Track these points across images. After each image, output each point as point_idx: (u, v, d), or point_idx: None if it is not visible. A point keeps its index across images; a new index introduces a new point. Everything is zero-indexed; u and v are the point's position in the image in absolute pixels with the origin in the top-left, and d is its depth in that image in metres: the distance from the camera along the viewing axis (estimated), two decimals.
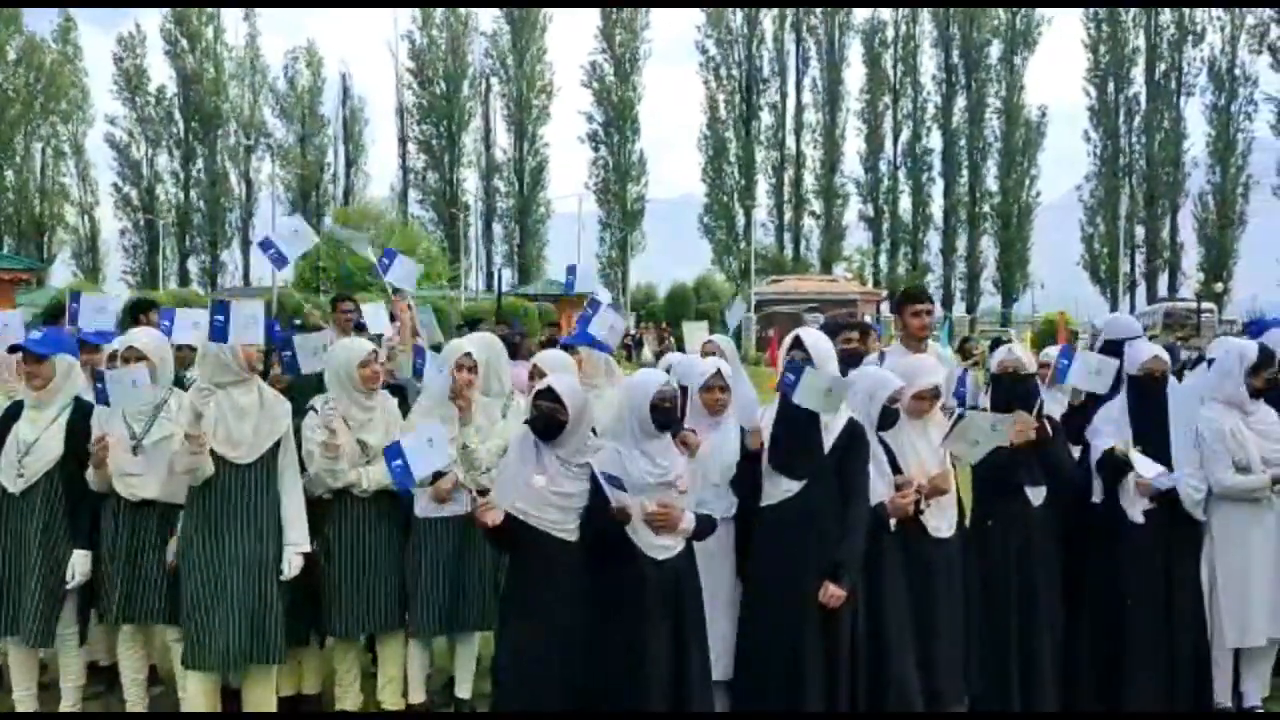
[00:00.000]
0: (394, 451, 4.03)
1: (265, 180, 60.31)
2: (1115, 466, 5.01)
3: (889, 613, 4.45)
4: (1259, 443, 5.01)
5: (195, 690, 4.49)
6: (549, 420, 4.03)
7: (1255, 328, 5.96)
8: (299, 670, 5.02)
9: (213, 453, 4.39)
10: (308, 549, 4.58)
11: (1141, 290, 58.48)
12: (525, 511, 4.01)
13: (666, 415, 4.13)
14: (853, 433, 4.43)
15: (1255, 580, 4.98)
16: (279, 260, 5.66)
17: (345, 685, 4.90)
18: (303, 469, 4.71)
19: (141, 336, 4.81)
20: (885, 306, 48.98)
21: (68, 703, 4.86)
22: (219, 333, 4.34)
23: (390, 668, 4.96)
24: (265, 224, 55.39)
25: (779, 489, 4.42)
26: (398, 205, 59.34)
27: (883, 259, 62.02)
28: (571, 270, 6.63)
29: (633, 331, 35.47)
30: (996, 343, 5.73)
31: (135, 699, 4.86)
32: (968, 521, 5.05)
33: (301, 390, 5.05)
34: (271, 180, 55.90)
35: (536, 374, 4.82)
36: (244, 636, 4.36)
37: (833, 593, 4.24)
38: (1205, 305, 34.52)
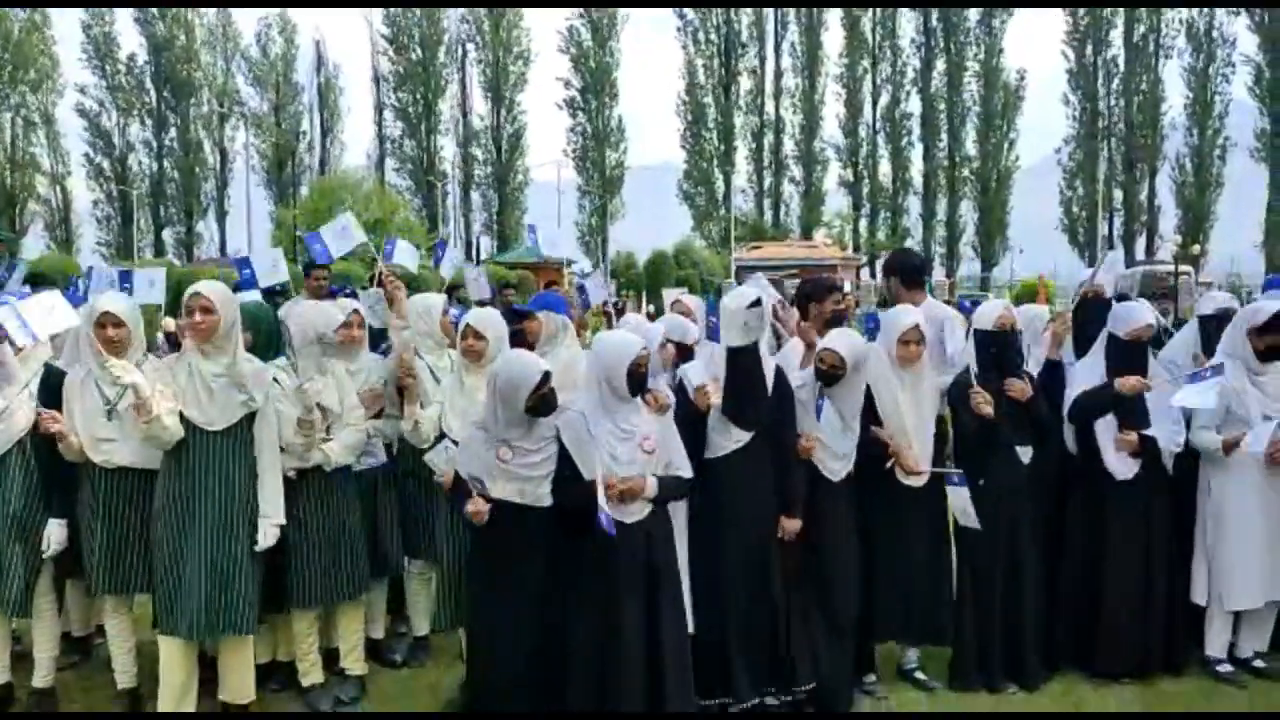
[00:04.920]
0: None
1: (240, 149, 59.62)
2: (1090, 410, 5.01)
3: (834, 549, 4.73)
4: (1262, 401, 5.00)
5: (170, 656, 4.43)
6: (551, 405, 4.09)
7: (1271, 285, 5.94)
8: (274, 637, 4.98)
9: (186, 420, 4.31)
10: (283, 521, 4.52)
11: (1120, 253, 58.74)
12: (495, 486, 4.05)
13: (644, 380, 4.15)
14: (780, 381, 4.62)
15: (1251, 544, 4.99)
16: (323, 254, 5.87)
17: (304, 654, 4.86)
18: None
19: (117, 301, 4.69)
20: (865, 272, 49.13)
21: (41, 673, 4.79)
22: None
23: (351, 636, 4.96)
24: (240, 194, 54.89)
25: (729, 440, 4.53)
26: (374, 174, 58.73)
27: (862, 224, 62.06)
28: (533, 230, 6.57)
29: (614, 299, 35.33)
30: (974, 306, 5.70)
31: (124, 671, 4.78)
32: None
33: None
34: (246, 149, 55.20)
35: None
36: (213, 606, 4.31)
37: (790, 526, 4.54)
38: (1183, 268, 34.60)
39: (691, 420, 4.52)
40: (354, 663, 4.97)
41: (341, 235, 5.89)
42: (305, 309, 4.93)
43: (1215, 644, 5.13)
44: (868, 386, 4.81)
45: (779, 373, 4.72)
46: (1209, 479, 5.10)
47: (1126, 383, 4.93)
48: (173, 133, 59.76)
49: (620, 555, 4.05)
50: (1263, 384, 5.02)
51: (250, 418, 4.44)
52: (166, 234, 60.43)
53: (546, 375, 4.07)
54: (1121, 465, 5.02)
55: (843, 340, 4.73)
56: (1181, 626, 5.13)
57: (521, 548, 4.09)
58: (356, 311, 5.23)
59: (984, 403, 4.81)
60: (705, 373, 4.63)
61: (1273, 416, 4.95)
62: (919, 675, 5.09)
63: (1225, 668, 5.10)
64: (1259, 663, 5.15)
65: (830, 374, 4.67)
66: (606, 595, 4.05)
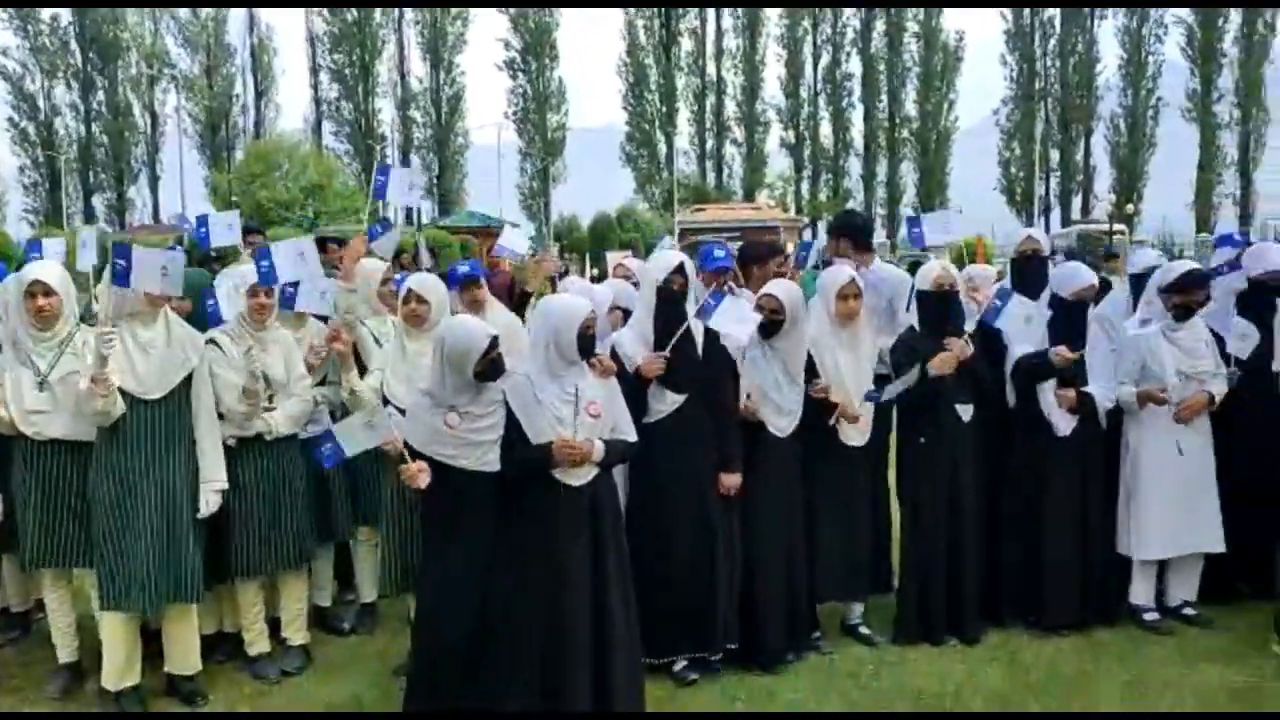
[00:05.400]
0: (326, 436, 4.07)
1: (171, 113, 58.18)
2: (1032, 374, 5.11)
3: (781, 506, 4.83)
4: (1176, 356, 5.14)
5: (113, 632, 4.37)
6: (499, 369, 4.07)
7: (1222, 243, 6.09)
8: (219, 608, 4.94)
9: (121, 391, 4.23)
10: (225, 486, 4.47)
11: (1056, 214, 59.68)
12: (443, 454, 4.03)
13: (592, 342, 4.15)
14: (712, 342, 4.70)
15: (1164, 496, 5.14)
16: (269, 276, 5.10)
17: (249, 624, 4.82)
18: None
19: (48, 269, 4.55)
20: (808, 233, 49.34)
21: None
22: (121, 278, 4.17)
23: (294, 605, 4.94)
24: (173, 159, 53.61)
25: (665, 404, 4.61)
26: (311, 137, 57.64)
27: (804, 186, 62.29)
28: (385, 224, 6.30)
29: (559, 263, 35.18)
30: (915, 266, 5.76)
31: (64, 645, 4.70)
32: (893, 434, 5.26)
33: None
34: (178, 113, 53.87)
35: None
36: (160, 575, 4.26)
37: (729, 481, 4.64)
38: (1117, 227, 35.30)
39: (631, 385, 4.55)
40: (295, 632, 4.94)
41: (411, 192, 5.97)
42: (246, 273, 4.84)
43: (1139, 593, 5.28)
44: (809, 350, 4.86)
45: (710, 334, 4.76)
46: (1128, 434, 5.25)
47: (1061, 354, 5.03)
48: (100, 96, 58.11)
49: (568, 518, 4.07)
50: (1178, 340, 5.17)
51: (187, 384, 4.37)
52: (97, 200, 58.84)
53: (494, 340, 4.05)
54: (1061, 421, 5.13)
55: (781, 288, 4.80)
56: (1117, 577, 5.28)
57: (469, 513, 4.08)
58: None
59: (943, 362, 4.88)
60: (637, 339, 4.65)
61: (1187, 373, 5.12)
62: (863, 630, 5.18)
63: (1151, 616, 5.25)
64: (1188, 610, 5.32)
65: (772, 320, 4.72)
66: (554, 558, 4.06)
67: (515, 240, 7.37)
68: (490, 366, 4.04)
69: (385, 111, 60.62)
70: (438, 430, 4.04)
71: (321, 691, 4.63)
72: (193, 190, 48.91)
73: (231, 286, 4.89)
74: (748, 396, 4.79)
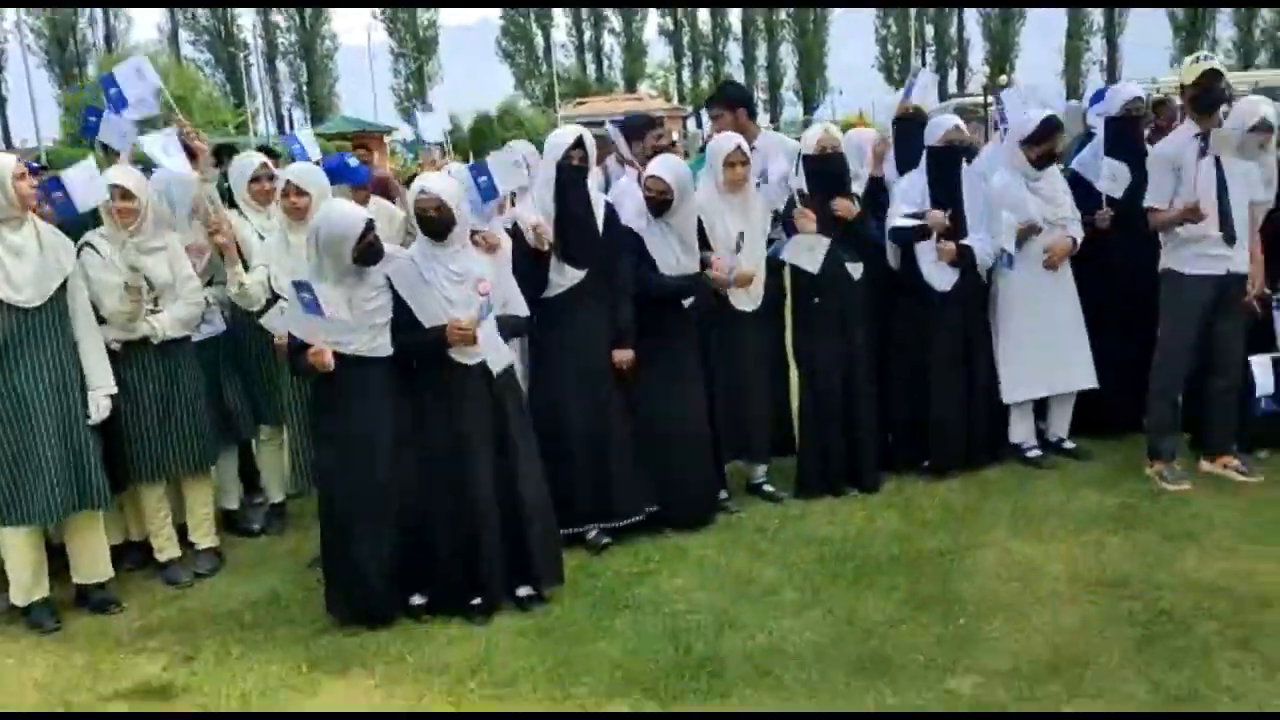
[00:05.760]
0: (304, 286, 3.95)
1: (11, 29, 54.42)
2: (917, 233, 5.26)
3: (682, 374, 4.93)
4: (1039, 205, 5.35)
5: (16, 547, 4.28)
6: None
7: (1095, 100, 6.26)
8: (125, 517, 4.88)
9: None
10: (113, 390, 4.36)
11: (932, 75, 60.27)
12: (334, 342, 3.98)
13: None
14: (611, 219, 4.76)
15: (1030, 339, 5.39)
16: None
17: (156, 530, 4.78)
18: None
19: None
20: (691, 122, 49.09)
21: None
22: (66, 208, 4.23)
23: (200, 508, 4.90)
24: (18, 79, 50.40)
25: (565, 279, 4.65)
26: (169, 49, 54.67)
27: (685, 74, 61.74)
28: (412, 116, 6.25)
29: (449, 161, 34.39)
30: None
31: None
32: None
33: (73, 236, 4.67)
34: (19, 28, 50.37)
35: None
36: (63, 485, 4.17)
37: (622, 356, 4.71)
38: (991, 99, 35.95)
39: (530, 260, 4.55)
40: (203, 536, 4.91)
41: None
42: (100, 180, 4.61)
43: (1019, 432, 5.57)
44: (699, 219, 4.91)
45: (610, 210, 4.80)
46: (996, 282, 5.46)
47: (934, 217, 5.17)
48: None
49: (468, 397, 4.10)
50: (1039, 189, 5.37)
51: (64, 291, 4.23)
52: None
53: (370, 223, 4.00)
54: (940, 278, 5.31)
55: (665, 166, 4.81)
56: (1001, 420, 5.55)
57: (365, 400, 4.06)
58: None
59: (805, 219, 5.00)
60: (536, 213, 4.66)
61: (1050, 219, 5.35)
62: (767, 489, 5.37)
63: (1034, 452, 5.56)
64: (1068, 444, 5.64)
65: (659, 201, 4.75)
66: (458, 435, 4.09)
67: (433, 127, 7.18)
68: (369, 250, 3.99)
69: (245, 18, 57.82)
70: (323, 318, 3.95)
71: (238, 591, 4.62)
72: (46, 111, 46.10)
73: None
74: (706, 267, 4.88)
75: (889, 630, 3.86)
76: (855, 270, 5.20)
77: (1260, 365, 5.23)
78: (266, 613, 4.37)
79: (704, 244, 4.96)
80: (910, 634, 3.83)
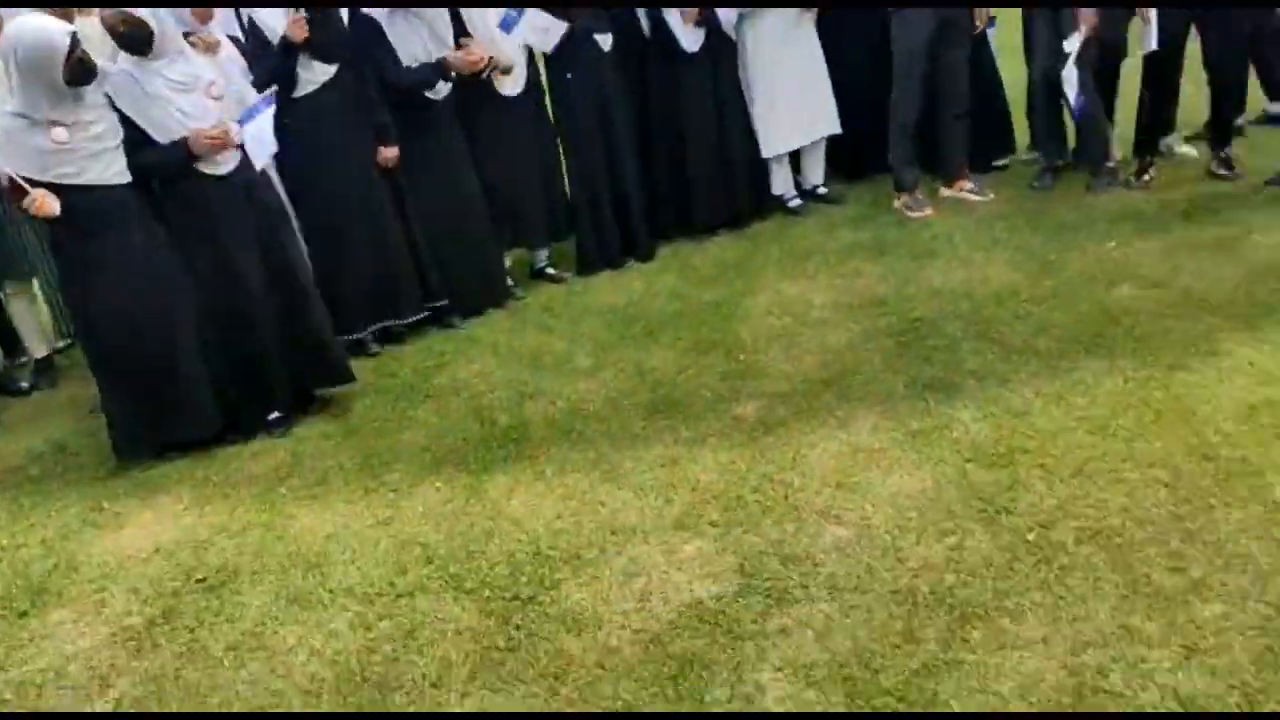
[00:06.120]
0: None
1: None
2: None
3: (434, 167, 4.89)
4: None
5: None
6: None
7: None
8: None
9: None
10: None
11: None
12: (65, 175, 3.68)
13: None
14: (354, 10, 4.64)
15: (779, 94, 5.61)
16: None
17: None
18: None
19: None
20: None
21: None
22: None
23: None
24: None
25: (317, 75, 4.51)
26: None
27: None
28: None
29: None
30: None
31: None
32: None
33: None
34: None
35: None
36: None
37: (387, 154, 4.65)
38: None
39: (277, 59, 4.39)
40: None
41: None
42: None
43: (779, 184, 5.88)
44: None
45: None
46: (742, 41, 5.60)
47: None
48: None
49: (226, 207, 3.94)
50: None
51: None
52: None
53: (74, 37, 3.65)
54: (689, 38, 5.39)
55: None
56: (762, 175, 5.81)
57: (111, 230, 3.80)
58: None
59: None
60: (277, 9, 4.43)
61: None
62: (550, 271, 5.49)
63: (795, 202, 5.88)
64: (823, 190, 5.98)
65: None
66: (221, 250, 3.96)
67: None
68: (80, 68, 3.66)
69: None
70: (46, 151, 3.66)
71: (19, 446, 4.42)
72: None
73: None
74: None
75: (677, 376, 4.11)
76: (605, 42, 5.21)
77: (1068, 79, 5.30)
78: (54, 462, 4.22)
79: (462, 31, 4.85)
80: (696, 376, 4.09)
